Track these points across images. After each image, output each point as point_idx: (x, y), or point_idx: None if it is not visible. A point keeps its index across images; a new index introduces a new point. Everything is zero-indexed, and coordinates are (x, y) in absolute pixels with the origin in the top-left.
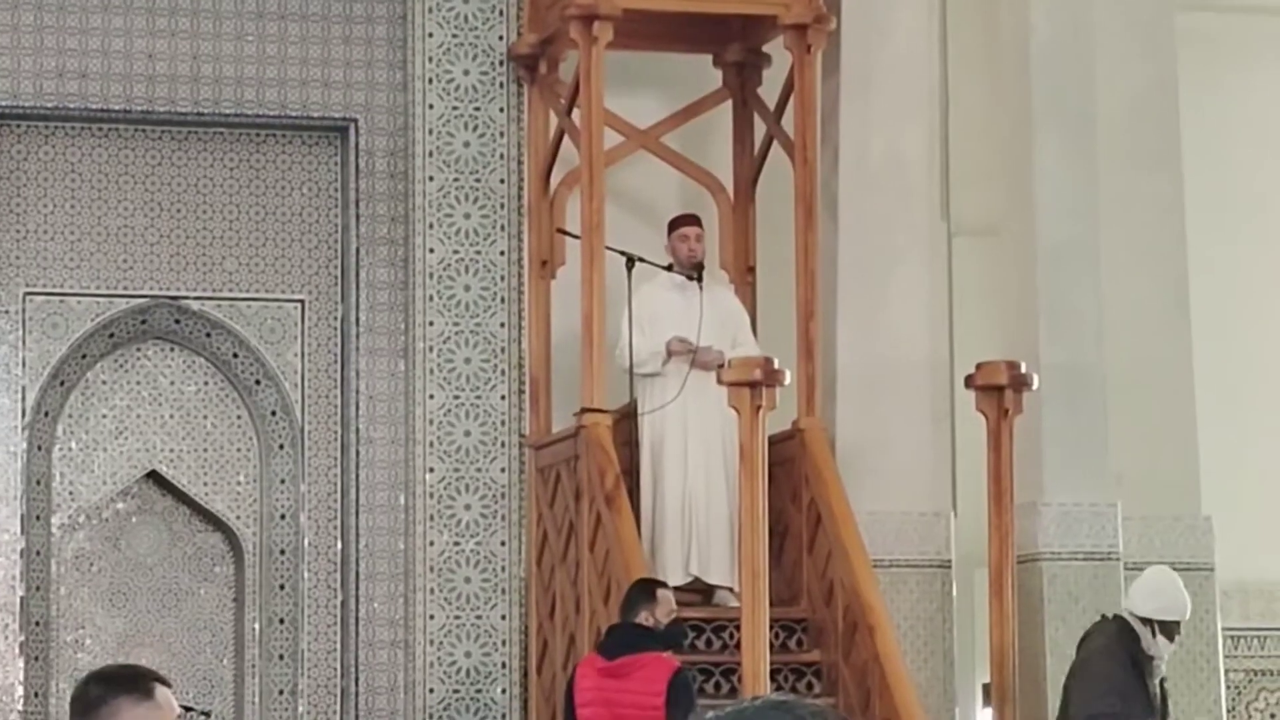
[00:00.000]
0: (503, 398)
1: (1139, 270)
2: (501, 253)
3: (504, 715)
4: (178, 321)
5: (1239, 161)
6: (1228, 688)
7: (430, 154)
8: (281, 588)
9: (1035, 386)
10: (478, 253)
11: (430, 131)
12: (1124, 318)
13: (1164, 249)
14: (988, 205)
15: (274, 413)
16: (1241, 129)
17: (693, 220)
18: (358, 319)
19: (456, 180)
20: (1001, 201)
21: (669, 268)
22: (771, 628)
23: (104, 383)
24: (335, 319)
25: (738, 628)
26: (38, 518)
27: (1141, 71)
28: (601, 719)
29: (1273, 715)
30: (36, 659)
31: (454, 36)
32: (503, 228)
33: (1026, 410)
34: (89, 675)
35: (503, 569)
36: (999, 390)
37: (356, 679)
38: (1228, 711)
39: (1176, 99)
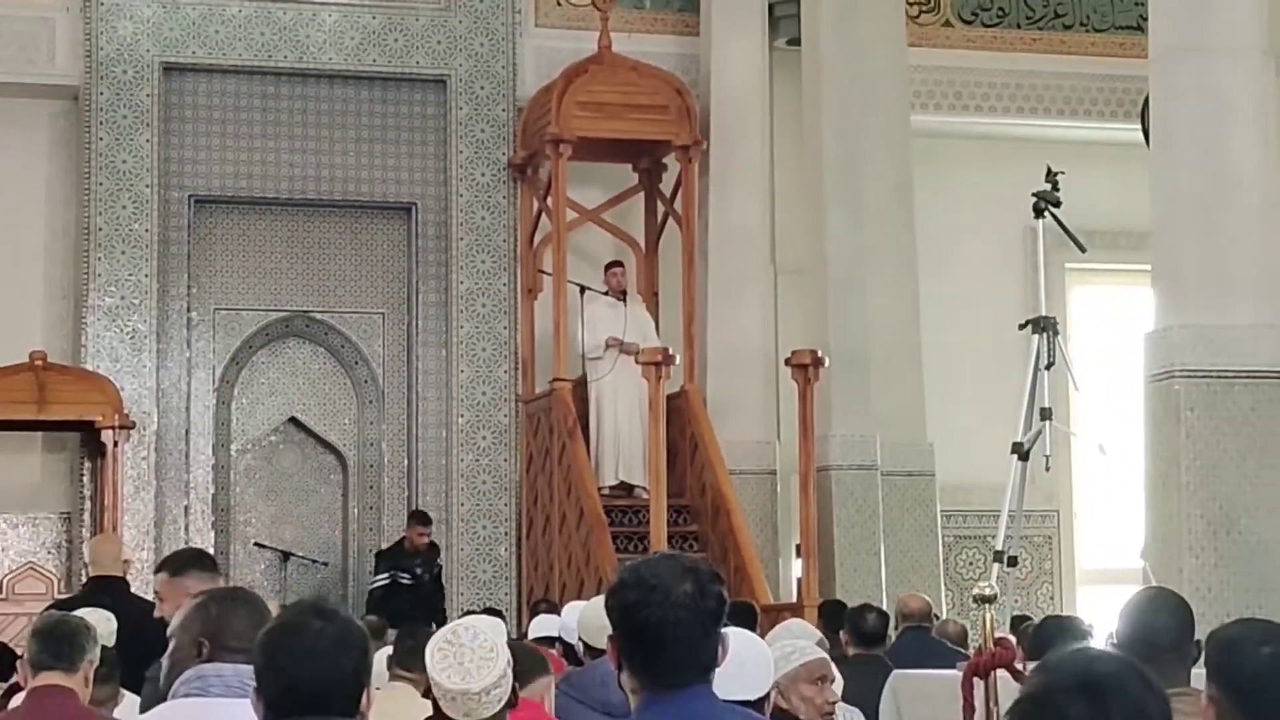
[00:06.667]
0: (505, 372)
1: (890, 294)
2: (504, 284)
3: (506, 564)
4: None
5: (946, 224)
6: (943, 547)
7: (461, 224)
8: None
9: (827, 364)
10: (489, 284)
11: (461, 210)
12: (880, 322)
13: (903, 280)
14: (797, 254)
15: (366, 381)
16: (947, 206)
17: (619, 264)
18: (418, 326)
19: (476, 240)
20: (807, 252)
21: (605, 293)
22: (668, 511)
23: None
24: (403, 325)
25: (648, 510)
26: None
27: (891, 170)
28: None
29: (970, 564)
30: None
31: (476, 152)
32: (505, 269)
33: (822, 378)
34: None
35: (505, 475)
36: (805, 367)
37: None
38: (943, 562)
39: (911, 187)
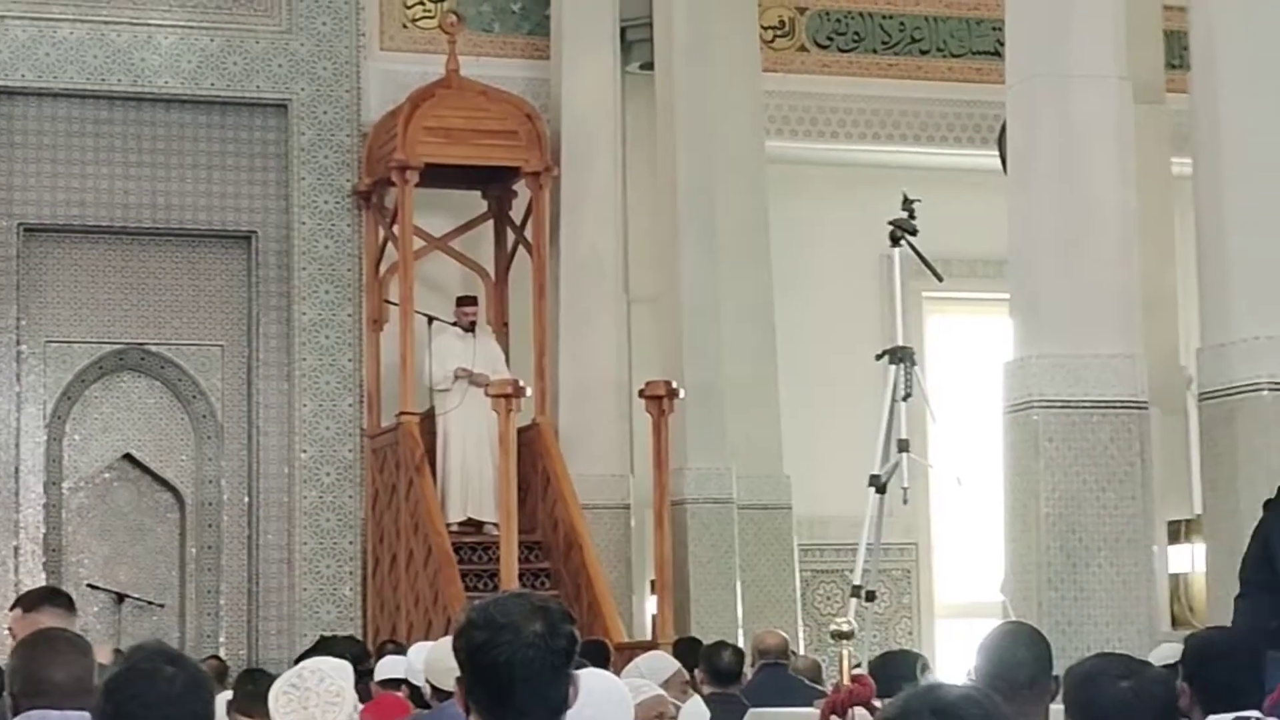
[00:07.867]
0: (350, 406)
1: (745, 323)
2: (349, 314)
3: (350, 604)
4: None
5: (802, 253)
6: (801, 581)
7: (303, 253)
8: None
9: (681, 395)
10: (333, 315)
11: (303, 239)
12: (735, 352)
13: (759, 309)
14: (651, 283)
15: (205, 415)
16: (802, 234)
17: (472, 301)
18: (258, 359)
19: (320, 270)
20: (660, 280)
21: (454, 323)
22: (519, 547)
23: None
24: (244, 357)
25: (498, 547)
26: None
27: (745, 196)
28: None
29: (828, 599)
30: None
31: (319, 179)
32: (350, 299)
33: (676, 410)
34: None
35: (350, 513)
36: (659, 398)
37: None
38: (801, 597)
39: (766, 214)
